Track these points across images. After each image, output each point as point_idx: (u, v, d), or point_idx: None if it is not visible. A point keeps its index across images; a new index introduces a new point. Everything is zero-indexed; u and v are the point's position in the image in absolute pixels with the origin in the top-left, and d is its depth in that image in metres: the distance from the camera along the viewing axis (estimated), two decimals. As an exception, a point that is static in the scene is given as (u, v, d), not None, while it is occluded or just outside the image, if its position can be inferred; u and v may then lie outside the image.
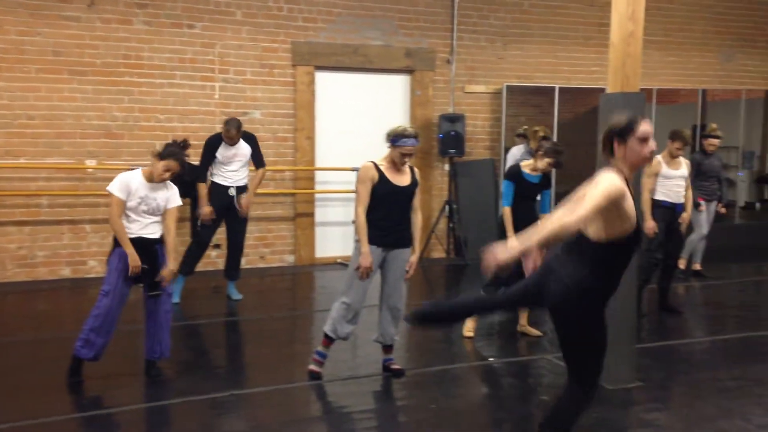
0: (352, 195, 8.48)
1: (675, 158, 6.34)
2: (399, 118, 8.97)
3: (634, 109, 4.32)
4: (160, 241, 4.49)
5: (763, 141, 11.82)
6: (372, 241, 4.39)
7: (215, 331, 6.01)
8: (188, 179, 6.61)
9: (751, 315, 6.52)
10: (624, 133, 2.93)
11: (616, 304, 4.41)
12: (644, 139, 2.92)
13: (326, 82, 8.57)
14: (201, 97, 7.96)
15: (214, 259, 8.02)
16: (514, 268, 4.92)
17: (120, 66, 7.65)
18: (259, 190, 7.72)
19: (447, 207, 8.91)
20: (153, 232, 4.44)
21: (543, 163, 5.27)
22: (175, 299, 6.45)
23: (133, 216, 4.38)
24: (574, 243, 2.94)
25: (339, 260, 8.61)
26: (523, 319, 5.65)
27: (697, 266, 7.84)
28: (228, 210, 6.47)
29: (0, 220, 7.34)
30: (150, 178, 4.38)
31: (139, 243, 4.38)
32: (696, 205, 7.13)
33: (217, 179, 6.43)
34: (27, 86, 7.33)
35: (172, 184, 4.50)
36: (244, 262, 7.18)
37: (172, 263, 4.48)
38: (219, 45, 7.98)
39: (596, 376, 3.15)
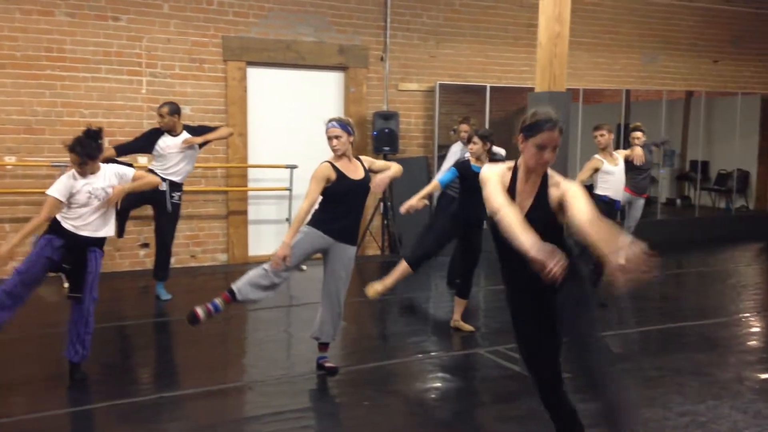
0: (286, 192, 8.43)
1: (608, 153, 6.48)
2: (333, 114, 8.90)
3: (559, 107, 4.45)
4: (96, 244, 4.34)
5: (683, 140, 12.37)
6: (319, 227, 4.43)
7: (143, 332, 5.85)
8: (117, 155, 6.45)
9: (671, 307, 6.80)
10: (528, 131, 2.86)
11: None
12: (541, 147, 2.82)
13: (258, 78, 8.45)
14: (128, 91, 7.72)
15: (142, 258, 7.82)
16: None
17: (41, 59, 7.34)
18: (190, 187, 7.57)
19: (381, 204, 8.94)
20: (93, 230, 4.29)
21: (472, 148, 5.44)
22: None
23: (78, 212, 4.24)
24: None
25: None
26: (457, 314, 5.73)
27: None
28: (157, 205, 6.30)
29: None
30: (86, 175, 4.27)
31: (73, 240, 4.23)
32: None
33: (154, 168, 6.28)
34: (-61, 78, 6.96)
35: (108, 167, 4.39)
36: (175, 261, 7.02)
37: (127, 186, 4.40)
38: (146, 38, 7.76)
39: (526, 364, 3.26)
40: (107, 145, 7.59)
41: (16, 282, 4.21)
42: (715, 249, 9.99)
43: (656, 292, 7.50)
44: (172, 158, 6.27)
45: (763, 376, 4.69)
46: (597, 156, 6.49)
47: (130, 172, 4.45)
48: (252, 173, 8.52)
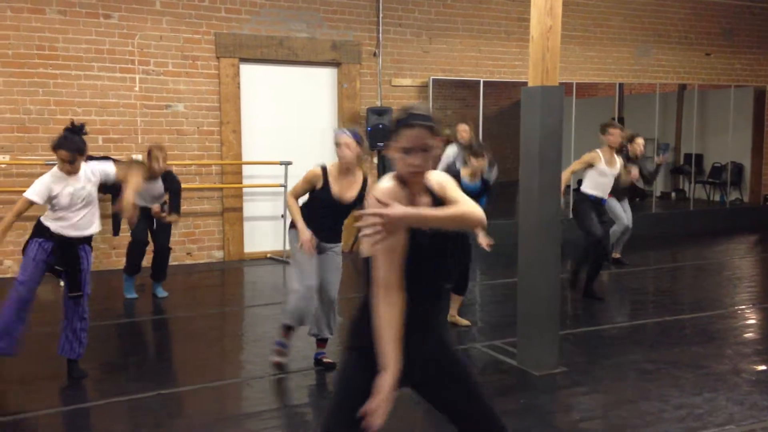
0: (281, 189, 8.42)
1: (611, 153, 6.38)
2: (326, 110, 8.94)
3: (553, 101, 4.46)
4: (85, 241, 4.33)
5: (677, 133, 12.40)
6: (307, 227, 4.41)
7: (141, 330, 5.84)
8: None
9: (667, 300, 6.83)
10: (392, 133, 2.25)
11: (539, 292, 4.55)
12: (407, 150, 2.19)
13: (252, 75, 8.43)
14: (120, 89, 7.69)
15: (137, 256, 7.79)
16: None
17: (33, 57, 7.31)
18: (185, 185, 7.54)
19: (376, 200, 8.94)
20: (80, 229, 4.27)
21: (474, 164, 5.35)
22: (133, 295, 6.47)
23: (62, 213, 4.21)
24: None
25: (269, 255, 8.51)
26: (453, 309, 5.73)
27: (617, 255, 8.15)
28: (151, 221, 6.32)
29: None
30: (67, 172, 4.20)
31: (60, 242, 4.21)
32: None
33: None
34: (-70, 78, 6.92)
35: (91, 165, 4.31)
36: (171, 259, 6.98)
37: (130, 197, 4.19)
38: (138, 36, 7.73)
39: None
40: (100, 143, 7.60)
41: (22, 293, 4.21)
42: (710, 242, 10.03)
43: (652, 285, 7.53)
44: (146, 200, 6.17)
45: (760, 367, 4.71)
46: (598, 152, 6.40)
47: (110, 168, 4.32)
48: (246, 170, 8.50)
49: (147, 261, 6.65)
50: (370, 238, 2.06)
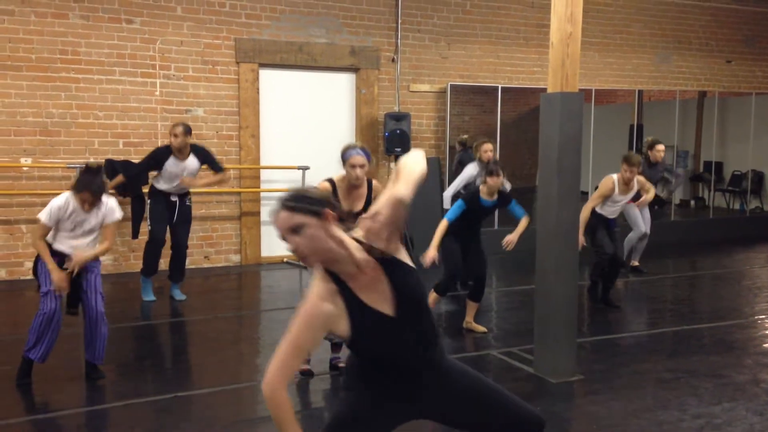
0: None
1: (628, 184, 6.36)
2: (345, 116, 8.98)
3: (572, 108, 4.45)
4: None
5: (697, 140, 12.29)
6: None
7: (158, 332, 5.89)
8: (126, 178, 6.49)
9: (685, 309, 6.76)
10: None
11: (557, 299, 4.53)
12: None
13: (271, 80, 8.49)
14: (141, 93, 7.78)
15: (156, 259, 7.86)
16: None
17: (56, 61, 7.41)
18: (203, 189, 7.63)
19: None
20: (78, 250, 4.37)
21: (491, 183, 5.37)
22: (151, 297, 6.53)
23: (65, 235, 4.34)
24: None
25: (286, 259, 8.55)
26: (469, 315, 5.72)
27: (635, 263, 8.09)
28: (171, 212, 6.37)
29: (-73, 221, 7.02)
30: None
31: (62, 260, 4.32)
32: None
33: (160, 186, 6.33)
34: (-44, 81, 7.04)
35: (108, 199, 4.43)
36: (188, 263, 7.06)
37: (89, 253, 4.36)
38: (159, 41, 7.81)
39: None
40: (121, 146, 7.69)
41: (47, 302, 4.28)
42: (730, 250, 9.92)
43: (670, 294, 7.46)
44: (177, 179, 6.30)
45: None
46: (614, 179, 6.34)
47: (116, 216, 4.46)
48: (264, 174, 8.55)
49: (164, 264, 6.71)
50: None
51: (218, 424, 3.92)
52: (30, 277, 7.08)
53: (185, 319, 6.17)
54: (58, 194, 4.38)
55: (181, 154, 6.23)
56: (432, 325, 2.33)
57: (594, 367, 4.83)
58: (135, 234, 6.66)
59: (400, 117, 8.79)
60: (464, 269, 5.73)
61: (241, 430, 3.88)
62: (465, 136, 8.75)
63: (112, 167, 6.65)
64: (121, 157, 7.31)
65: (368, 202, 4.46)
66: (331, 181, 4.39)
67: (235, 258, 8.41)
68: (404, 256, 2.24)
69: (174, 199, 6.36)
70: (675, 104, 10.88)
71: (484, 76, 9.52)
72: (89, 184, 4.24)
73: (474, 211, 5.46)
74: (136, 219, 6.60)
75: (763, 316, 6.26)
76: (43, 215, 4.28)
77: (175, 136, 6.19)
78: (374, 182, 4.52)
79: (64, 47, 7.43)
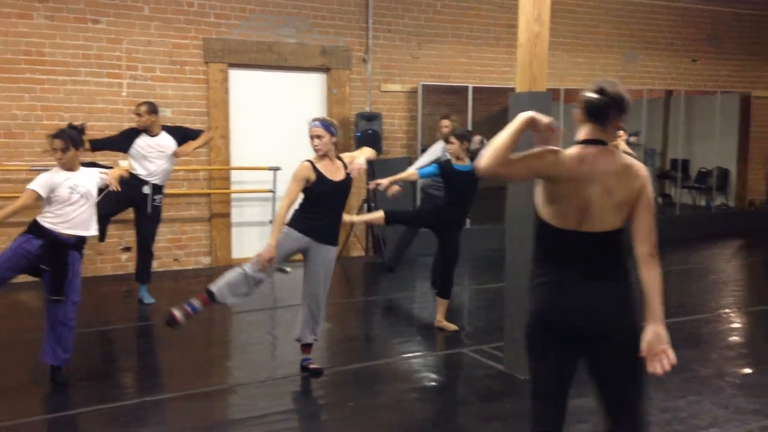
0: (269, 195, 8.41)
1: None
2: (315, 115, 8.92)
3: (540, 107, 4.48)
4: (78, 245, 4.33)
5: (664, 139, 12.49)
6: (298, 226, 4.45)
7: (127, 336, 5.81)
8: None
9: (653, 304, 6.86)
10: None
11: (526, 297, 4.56)
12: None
13: (240, 80, 8.43)
14: (108, 94, 7.66)
15: (124, 262, 7.76)
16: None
17: (20, 62, 7.27)
18: (172, 191, 7.56)
19: (365, 206, 8.95)
20: (78, 227, 4.30)
21: (450, 147, 5.50)
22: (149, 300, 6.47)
23: (60, 209, 4.24)
24: None
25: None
26: (440, 314, 5.74)
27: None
28: (138, 208, 6.27)
29: None
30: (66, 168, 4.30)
31: (53, 241, 4.21)
32: None
33: (136, 170, 6.24)
34: None
35: (87, 168, 4.46)
36: (158, 265, 6.98)
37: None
38: (126, 41, 7.71)
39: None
40: (87, 159, 7.57)
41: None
42: (696, 246, 10.09)
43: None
44: (152, 159, 6.23)
45: (744, 371, 4.75)
46: None
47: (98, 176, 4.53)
48: (235, 175, 8.49)
49: (130, 267, 6.62)
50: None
51: (189, 428, 3.88)
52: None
53: (154, 323, 6.09)
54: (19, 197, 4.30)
55: (151, 131, 6.20)
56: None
57: (564, 363, 4.87)
58: (102, 237, 6.55)
59: (371, 117, 8.79)
60: (438, 264, 5.76)
61: (211, 433, 3.85)
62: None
63: None
64: (87, 159, 7.20)
65: (348, 176, 4.60)
66: (309, 161, 4.50)
67: (206, 260, 8.33)
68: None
69: (147, 191, 6.23)
70: (642, 103, 11.04)
71: (455, 75, 9.56)
72: (62, 131, 4.29)
73: (451, 179, 5.48)
74: (102, 220, 6.48)
75: (729, 311, 6.38)
76: (33, 184, 4.22)
77: (139, 115, 6.19)
78: (344, 157, 4.66)
79: (28, 48, 7.29)
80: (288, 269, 8.17)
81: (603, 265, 2.49)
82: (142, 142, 6.21)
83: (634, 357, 2.44)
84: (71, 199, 4.25)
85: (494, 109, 10.53)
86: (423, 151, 9.17)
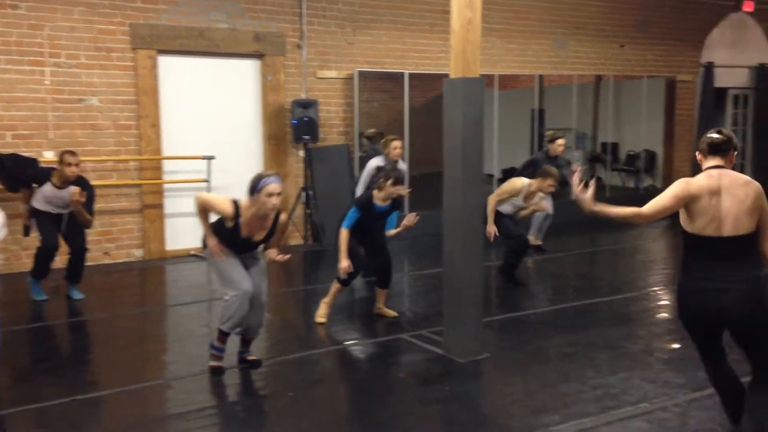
0: (204, 185, 8.23)
1: (533, 194, 6.54)
2: (250, 103, 8.80)
3: (474, 92, 4.53)
4: None
5: (594, 123, 12.82)
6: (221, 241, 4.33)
7: (56, 334, 5.61)
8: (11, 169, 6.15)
9: (585, 284, 7.07)
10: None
11: (463, 281, 4.62)
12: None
13: (170, 67, 8.19)
14: (30, 83, 7.33)
15: (53, 257, 7.48)
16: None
17: (-69, 48, 6.88)
18: (101, 182, 7.33)
19: (303, 193, 8.87)
20: None
21: (391, 190, 5.32)
22: (41, 296, 6.22)
23: None
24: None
25: (193, 252, 8.32)
26: (380, 302, 5.76)
27: (539, 242, 8.38)
28: (58, 222, 6.05)
29: None
30: None
31: None
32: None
33: (37, 205, 5.98)
34: None
35: None
36: (87, 259, 6.73)
37: None
38: (48, 27, 7.38)
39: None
40: (9, 139, 7.25)
41: None
42: (626, 227, 10.41)
43: (572, 270, 7.78)
44: (52, 205, 5.96)
45: (671, 346, 4.94)
46: (525, 186, 6.48)
47: None
48: (167, 165, 8.27)
49: (62, 262, 6.39)
50: None
51: (122, 426, 3.78)
52: None
53: (84, 319, 5.90)
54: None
55: (62, 183, 5.86)
56: None
57: (500, 344, 4.98)
58: (26, 232, 6.30)
59: (307, 104, 8.70)
60: (370, 261, 5.74)
61: (147, 430, 3.76)
62: (372, 131, 8.74)
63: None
64: (10, 151, 6.89)
65: (270, 234, 4.37)
66: (235, 203, 4.24)
67: (138, 253, 8.11)
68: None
69: (56, 212, 6.02)
70: (573, 88, 11.29)
71: (390, 62, 9.55)
72: None
73: (372, 216, 5.43)
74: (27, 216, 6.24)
75: (656, 288, 6.62)
76: None
77: (69, 165, 5.80)
78: (282, 216, 4.42)
79: (-60, 33, 6.90)
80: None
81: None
82: (48, 192, 5.89)
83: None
84: None
85: (431, 95, 10.58)
86: (361, 137, 9.17)
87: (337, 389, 4.42)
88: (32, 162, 6.67)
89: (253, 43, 8.55)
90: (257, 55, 8.67)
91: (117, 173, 7.93)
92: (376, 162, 6.95)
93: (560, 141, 8.08)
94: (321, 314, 5.56)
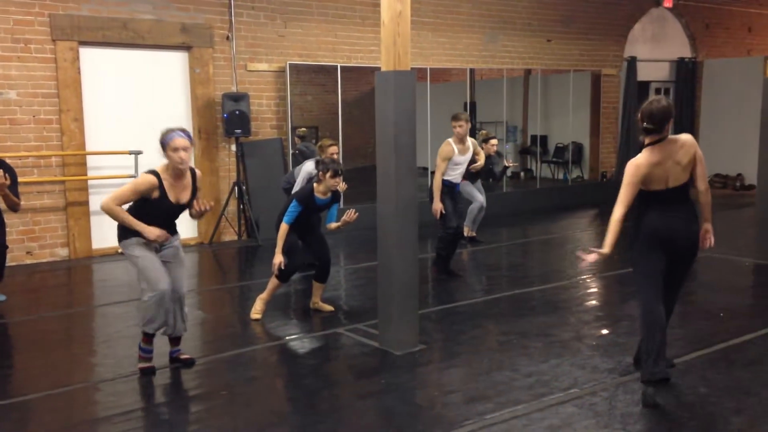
0: (130, 180, 7.97)
1: (464, 143, 6.65)
2: (179, 97, 8.59)
3: (406, 85, 4.54)
4: None
5: (524, 115, 13.11)
6: (136, 234, 4.18)
7: (-26, 339, 5.34)
8: None
9: (518, 274, 7.22)
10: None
11: (398, 274, 4.64)
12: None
13: (93, 59, 7.91)
14: (-60, 74, 6.95)
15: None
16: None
17: None
18: (22, 179, 7.01)
19: (236, 188, 8.73)
20: None
21: (331, 182, 5.31)
22: None
23: None
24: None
25: (120, 250, 8.06)
26: (316, 296, 5.73)
27: (473, 233, 8.51)
28: None
29: None
30: None
31: None
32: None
33: None
34: None
35: None
36: (9, 259, 6.44)
37: None
38: (-41, 15, 7.00)
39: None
40: None
41: None
42: (555, 217, 10.71)
43: (505, 261, 7.93)
44: None
45: (599, 333, 5.10)
46: (451, 143, 6.59)
47: None
48: (91, 161, 7.99)
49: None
50: None
51: (50, 430, 3.62)
52: None
53: (6, 321, 5.64)
54: None
55: None
56: None
57: (436, 336, 5.02)
58: None
59: (238, 97, 8.55)
60: (309, 254, 5.71)
61: (74, 435, 3.63)
62: (303, 129, 8.68)
63: None
64: None
65: (194, 193, 4.32)
66: (155, 173, 4.16)
67: (63, 252, 7.81)
68: None
69: None
70: (503, 82, 11.49)
71: (323, 55, 9.48)
72: None
73: (312, 208, 5.42)
74: None
75: (585, 277, 6.82)
76: None
77: None
78: (197, 172, 4.37)
79: None
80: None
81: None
82: None
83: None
84: None
85: (365, 88, 10.59)
86: (294, 130, 9.08)
87: (272, 387, 4.37)
88: None
89: (180, 34, 8.33)
90: (185, 47, 8.46)
91: (38, 170, 7.61)
92: (311, 166, 6.79)
93: (493, 141, 8.30)
94: (256, 310, 5.51)
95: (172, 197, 4.20)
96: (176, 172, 4.18)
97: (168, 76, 8.49)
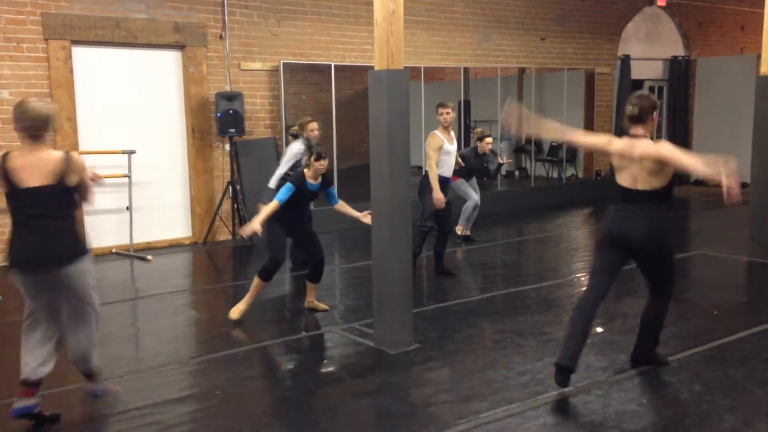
0: (125, 180, 7.96)
1: (449, 132, 6.67)
2: (172, 96, 8.56)
3: (399, 84, 4.54)
4: None
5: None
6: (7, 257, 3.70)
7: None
8: None
9: (513, 272, 7.22)
10: None
11: (392, 273, 4.64)
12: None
13: (86, 58, 7.88)
14: (-68, 74, 6.91)
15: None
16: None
17: None
18: None
19: (230, 188, 8.71)
20: None
21: (317, 165, 5.27)
22: None
23: None
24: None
25: (115, 250, 8.05)
26: (311, 295, 5.71)
27: (467, 232, 8.52)
28: None
29: None
30: None
31: None
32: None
33: None
34: None
35: None
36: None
37: None
38: (-49, 15, 6.97)
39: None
40: None
41: None
42: (550, 215, 10.72)
43: (500, 259, 7.93)
44: None
45: (593, 331, 5.10)
46: (437, 134, 6.62)
47: None
48: (85, 160, 7.92)
49: (-28, 263, 6.06)
50: None
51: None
52: None
53: (0, 321, 5.62)
54: None
55: None
56: None
57: (430, 335, 5.02)
58: None
59: (232, 96, 8.53)
60: (302, 254, 5.69)
61: (67, 436, 3.61)
62: (295, 128, 8.62)
63: None
64: None
65: (60, 179, 3.57)
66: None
67: (57, 252, 7.77)
68: None
69: None
70: (497, 81, 11.49)
71: (316, 54, 9.47)
72: None
73: (300, 194, 5.38)
74: None
75: (580, 275, 6.83)
76: None
77: None
78: (73, 155, 3.70)
79: None
80: (149, 257, 7.83)
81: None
82: None
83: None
84: None
85: (359, 87, 10.57)
86: (287, 129, 9.06)
87: (267, 386, 4.36)
88: None
89: (173, 33, 8.31)
90: (178, 46, 8.44)
91: (31, 170, 7.56)
92: (297, 146, 6.79)
93: (488, 139, 8.30)
94: (238, 309, 5.43)
95: (19, 175, 3.44)
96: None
97: (161, 75, 8.47)
